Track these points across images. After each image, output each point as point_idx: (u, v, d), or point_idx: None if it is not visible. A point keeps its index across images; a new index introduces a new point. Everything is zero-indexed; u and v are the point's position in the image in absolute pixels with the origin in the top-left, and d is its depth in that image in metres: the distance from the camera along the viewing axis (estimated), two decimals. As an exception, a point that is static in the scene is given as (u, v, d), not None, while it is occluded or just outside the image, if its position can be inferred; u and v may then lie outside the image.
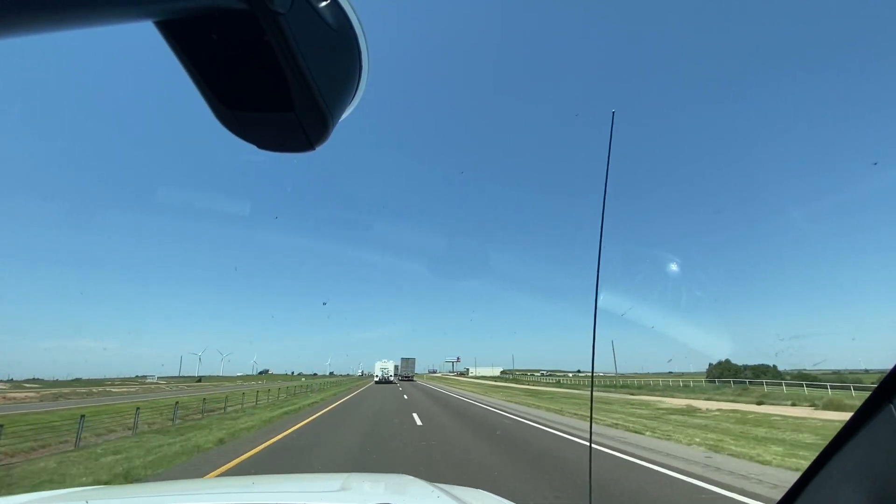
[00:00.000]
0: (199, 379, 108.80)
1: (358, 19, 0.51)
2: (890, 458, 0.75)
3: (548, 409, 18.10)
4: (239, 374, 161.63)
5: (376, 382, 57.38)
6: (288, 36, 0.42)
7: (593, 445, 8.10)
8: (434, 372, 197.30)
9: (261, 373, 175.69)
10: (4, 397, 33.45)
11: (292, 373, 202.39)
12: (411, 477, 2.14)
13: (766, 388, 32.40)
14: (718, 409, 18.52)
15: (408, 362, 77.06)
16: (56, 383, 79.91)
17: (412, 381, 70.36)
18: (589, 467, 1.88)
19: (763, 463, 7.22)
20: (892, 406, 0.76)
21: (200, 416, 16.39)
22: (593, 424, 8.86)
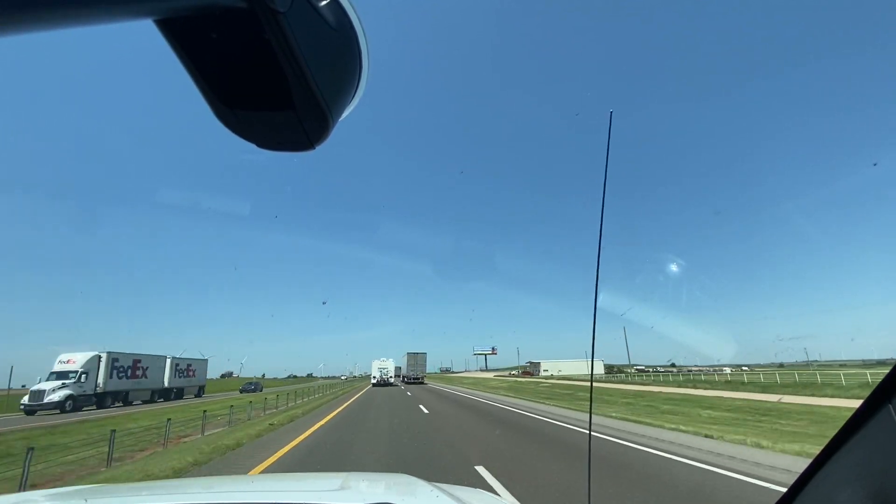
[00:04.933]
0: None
1: (358, 18, 0.51)
2: (888, 458, 0.75)
3: None
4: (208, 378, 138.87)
5: (374, 385, 49.19)
6: (288, 35, 0.42)
7: None
8: (449, 370, 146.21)
9: (223, 376, 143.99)
10: None
11: (263, 376, 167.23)
12: (412, 476, 2.14)
13: None
14: None
15: (416, 359, 57.33)
16: None
17: (423, 383, 53.03)
18: (588, 461, 1.89)
19: None
20: (890, 407, 0.76)
21: None
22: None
